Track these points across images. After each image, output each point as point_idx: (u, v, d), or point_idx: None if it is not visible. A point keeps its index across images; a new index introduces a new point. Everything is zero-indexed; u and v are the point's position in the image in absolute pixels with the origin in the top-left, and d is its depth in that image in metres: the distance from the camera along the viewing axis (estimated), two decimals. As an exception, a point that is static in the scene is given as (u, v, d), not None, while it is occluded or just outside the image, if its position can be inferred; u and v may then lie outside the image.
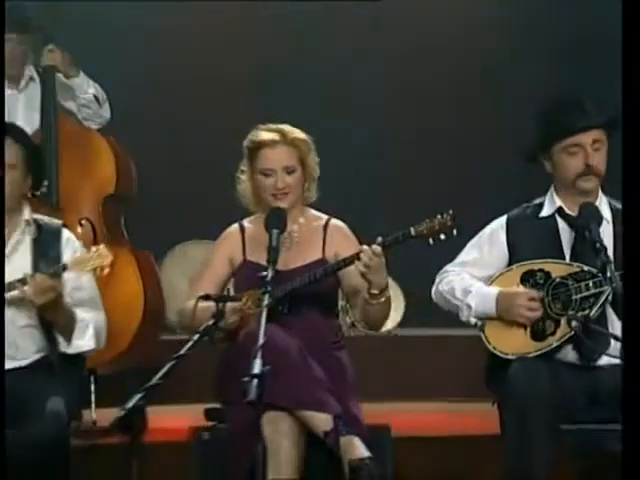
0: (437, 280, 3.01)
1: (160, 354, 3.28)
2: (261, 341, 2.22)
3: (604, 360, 2.71)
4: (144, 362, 3.68)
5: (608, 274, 2.67)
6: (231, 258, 3.01)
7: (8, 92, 4.65)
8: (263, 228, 2.89)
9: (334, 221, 3.07)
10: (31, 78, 4.72)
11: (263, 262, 2.75)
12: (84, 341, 2.84)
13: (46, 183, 3.53)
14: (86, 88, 4.62)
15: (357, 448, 2.58)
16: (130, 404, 2.15)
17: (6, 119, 3.89)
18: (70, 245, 2.98)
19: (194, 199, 5.55)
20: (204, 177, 5.48)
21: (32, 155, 3.00)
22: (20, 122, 3.75)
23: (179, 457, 2.95)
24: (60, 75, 4.57)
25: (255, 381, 2.10)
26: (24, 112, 4.44)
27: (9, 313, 2.80)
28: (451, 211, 2.71)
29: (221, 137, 5.57)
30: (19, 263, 2.88)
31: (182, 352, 2.42)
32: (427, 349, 4.79)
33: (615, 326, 2.74)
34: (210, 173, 5.12)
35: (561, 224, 2.94)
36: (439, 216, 2.71)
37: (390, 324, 4.16)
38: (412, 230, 2.69)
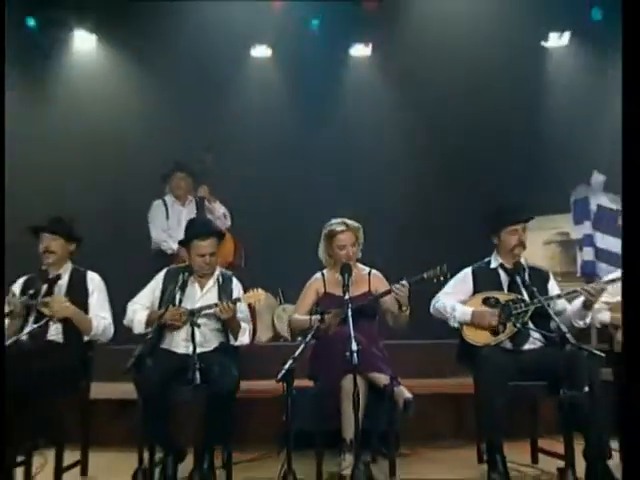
0: (433, 302, 4.07)
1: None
2: (352, 332, 3.29)
3: (526, 346, 3.84)
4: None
5: (533, 299, 3.79)
6: (317, 291, 4.22)
7: (176, 206, 6.14)
8: (335, 274, 4.11)
9: (374, 271, 4.30)
10: (190, 200, 6.16)
11: (337, 293, 3.93)
12: (243, 338, 3.98)
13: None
14: (219, 208, 6.17)
15: (405, 393, 3.67)
16: (287, 366, 3.22)
17: (174, 224, 5.64)
18: (237, 287, 4.11)
19: (289, 261, 6.10)
20: (295, 245, 5.98)
21: (220, 242, 4.19)
22: (184, 223, 4.66)
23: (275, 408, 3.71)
24: (206, 201, 6.11)
25: (355, 354, 3.20)
26: (186, 217, 5.56)
27: (204, 320, 3.82)
28: (445, 265, 3.82)
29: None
30: (212, 295, 3.98)
31: (307, 340, 3.52)
32: (428, 351, 5.43)
33: (538, 326, 3.81)
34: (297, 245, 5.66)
35: (501, 272, 4.08)
36: (438, 268, 3.82)
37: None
38: (425, 275, 3.83)
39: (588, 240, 6.48)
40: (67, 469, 3.78)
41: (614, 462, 3.48)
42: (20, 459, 3.64)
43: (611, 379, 4.02)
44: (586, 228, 6.51)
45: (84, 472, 3.91)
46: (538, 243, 7.18)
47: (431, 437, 4.58)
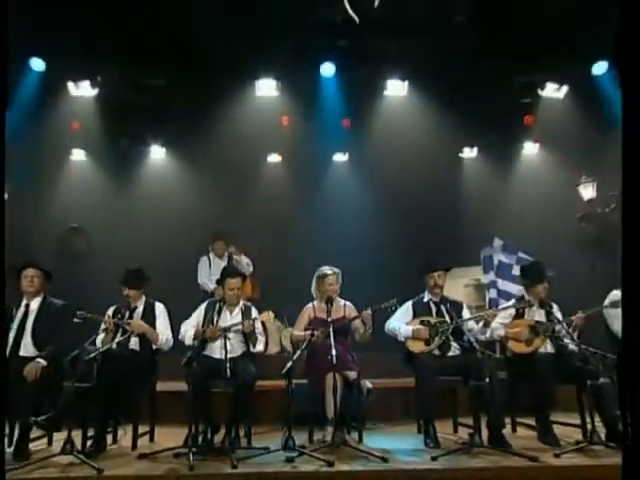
0: (387, 324, 4.07)
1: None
2: (333, 343, 3.40)
3: (449, 353, 3.87)
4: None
5: (452, 320, 3.88)
6: (309, 316, 4.18)
7: (216, 260, 6.01)
8: (321, 304, 4.07)
9: (348, 302, 4.21)
10: (225, 255, 6.13)
11: (323, 317, 3.90)
12: (260, 347, 3.91)
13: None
14: (244, 259, 6.15)
15: (367, 384, 3.83)
16: (288, 365, 3.33)
17: (215, 272, 5.23)
18: (254, 311, 3.99)
19: (291, 295, 5.37)
20: (296, 283, 5.16)
21: (244, 281, 4.13)
22: (218, 271, 4.45)
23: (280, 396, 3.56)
24: (235, 255, 6.10)
25: (334, 357, 3.30)
26: (221, 267, 5.30)
27: (232, 335, 3.74)
28: (395, 299, 3.84)
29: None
30: (238, 317, 3.90)
31: (302, 348, 3.60)
32: (384, 358, 4.97)
33: (456, 339, 3.85)
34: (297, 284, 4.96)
35: (431, 303, 4.08)
36: (393, 300, 3.83)
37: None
38: (382, 306, 3.83)
39: (492, 284, 6.45)
40: (141, 436, 3.79)
41: (506, 431, 3.55)
42: (109, 429, 3.72)
43: (504, 376, 3.99)
44: (491, 276, 6.47)
45: (152, 439, 3.91)
46: (460, 285, 7.15)
47: (387, 416, 4.58)
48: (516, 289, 5.70)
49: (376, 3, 5.04)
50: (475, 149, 8.12)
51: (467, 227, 7.40)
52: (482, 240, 6.76)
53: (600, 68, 6.44)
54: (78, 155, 7.79)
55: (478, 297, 7.08)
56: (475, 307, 6.79)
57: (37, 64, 6.37)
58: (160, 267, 6.17)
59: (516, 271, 5.83)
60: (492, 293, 6.53)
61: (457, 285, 7.15)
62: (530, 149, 7.93)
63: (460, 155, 8.19)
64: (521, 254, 6.38)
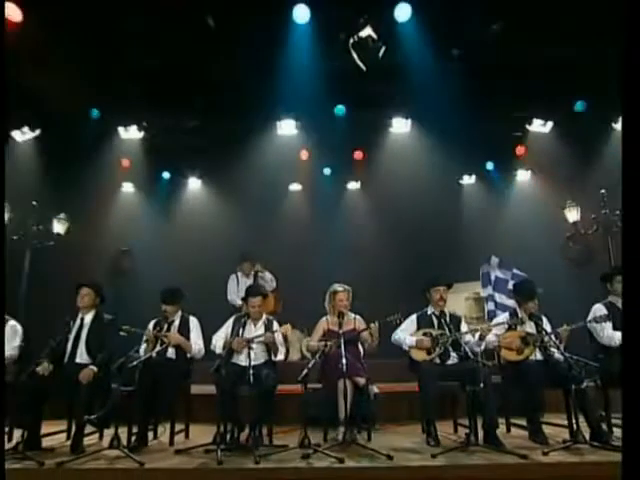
0: (393, 335, 4.03)
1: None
2: (343, 353, 3.42)
3: (448, 362, 3.84)
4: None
5: (451, 333, 3.78)
6: (323, 328, 4.14)
7: (243, 278, 5.90)
8: (334, 317, 4.00)
9: (357, 315, 4.18)
10: (251, 274, 6.06)
11: (335, 329, 3.87)
12: (280, 356, 3.90)
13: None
14: (268, 276, 6.07)
15: (374, 389, 3.77)
16: (304, 372, 3.30)
17: (242, 288, 4.77)
18: (276, 325, 3.99)
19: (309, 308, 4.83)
20: (313, 299, 4.69)
21: (264, 299, 4.08)
22: (244, 289, 4.27)
23: (298, 400, 3.48)
24: (260, 273, 5.93)
25: (345, 365, 3.32)
26: (247, 284, 5.28)
27: (255, 345, 3.70)
28: (400, 312, 3.85)
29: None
30: (261, 330, 3.91)
31: (317, 357, 3.58)
32: (392, 366, 4.83)
33: (455, 349, 3.79)
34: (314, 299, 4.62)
35: (433, 317, 4.03)
36: (396, 314, 3.84)
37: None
38: (388, 319, 3.83)
39: (490, 297, 6.41)
40: (177, 433, 3.83)
41: (501, 431, 3.49)
42: (150, 427, 3.75)
43: (498, 381, 3.97)
44: (489, 290, 6.45)
45: (187, 436, 3.94)
46: (461, 298, 7.22)
47: (394, 418, 4.54)
48: (511, 302, 5.49)
49: (380, 54, 5.22)
50: (473, 176, 8.17)
51: (467, 246, 7.36)
52: (481, 258, 6.73)
53: (580, 106, 6.47)
54: (128, 188, 8.05)
55: (477, 309, 7.08)
56: (476, 318, 6.80)
57: (94, 113, 6.68)
58: (195, 285, 6.24)
59: (511, 286, 5.74)
60: (490, 305, 6.50)
61: (459, 298, 7.19)
62: (523, 176, 7.95)
63: (460, 182, 8.23)
64: (515, 270, 6.36)
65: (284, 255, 7.11)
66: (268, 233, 7.47)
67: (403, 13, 5.05)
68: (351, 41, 5.05)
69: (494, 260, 6.47)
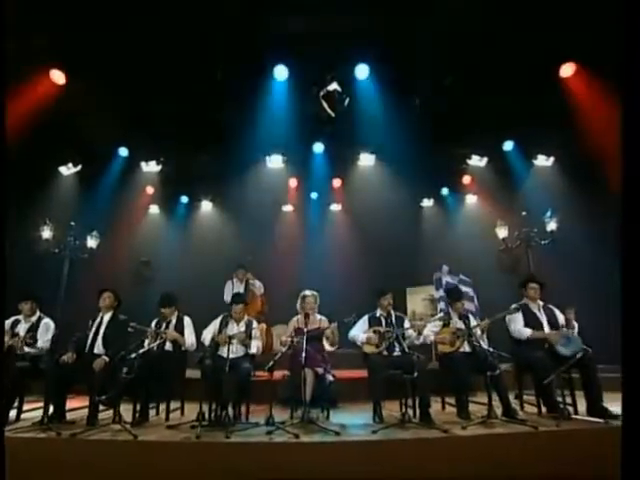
0: (349, 333, 3.95)
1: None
2: (305, 347, 3.40)
3: (394, 353, 3.77)
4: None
5: (396, 330, 3.80)
6: (293, 326, 4.04)
7: (237, 284, 5.56)
8: (302, 317, 3.90)
9: (322, 316, 4.07)
10: (243, 280, 5.68)
11: (303, 327, 3.76)
12: (255, 350, 3.81)
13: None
14: (257, 283, 5.70)
15: (330, 377, 3.66)
16: (270, 363, 3.27)
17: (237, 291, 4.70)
18: (255, 324, 3.97)
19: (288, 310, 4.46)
20: (292, 303, 4.23)
21: (246, 305, 3.99)
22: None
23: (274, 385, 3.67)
24: (250, 280, 5.70)
25: (304, 358, 3.31)
26: (240, 289, 5.23)
27: (235, 341, 3.61)
28: (355, 314, 3.74)
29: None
30: (242, 328, 3.85)
31: (284, 349, 3.58)
32: (347, 356, 4.74)
33: (398, 343, 3.73)
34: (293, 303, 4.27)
35: (382, 317, 3.97)
36: (353, 315, 3.72)
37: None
38: (345, 320, 3.71)
39: (442, 298, 6.25)
40: (174, 411, 3.79)
41: (436, 409, 3.50)
42: (151, 406, 3.70)
43: (436, 368, 3.94)
44: (440, 293, 6.33)
45: (182, 413, 3.88)
46: (419, 299, 7.21)
47: (353, 398, 4.45)
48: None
49: (346, 103, 5.35)
50: (431, 200, 8.16)
51: (425, 256, 7.33)
52: (435, 266, 6.70)
53: (508, 146, 6.55)
54: (154, 209, 8.11)
55: (432, 308, 7.04)
56: (430, 315, 6.76)
57: (123, 151, 6.90)
58: (199, 288, 6.31)
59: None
60: (442, 305, 6.39)
61: (417, 299, 7.23)
62: (471, 199, 7.97)
63: (420, 204, 8.22)
64: (462, 276, 6.35)
65: (274, 264, 7.04)
66: (263, 246, 7.34)
67: (362, 72, 5.26)
68: (321, 93, 5.17)
69: (445, 268, 6.43)
